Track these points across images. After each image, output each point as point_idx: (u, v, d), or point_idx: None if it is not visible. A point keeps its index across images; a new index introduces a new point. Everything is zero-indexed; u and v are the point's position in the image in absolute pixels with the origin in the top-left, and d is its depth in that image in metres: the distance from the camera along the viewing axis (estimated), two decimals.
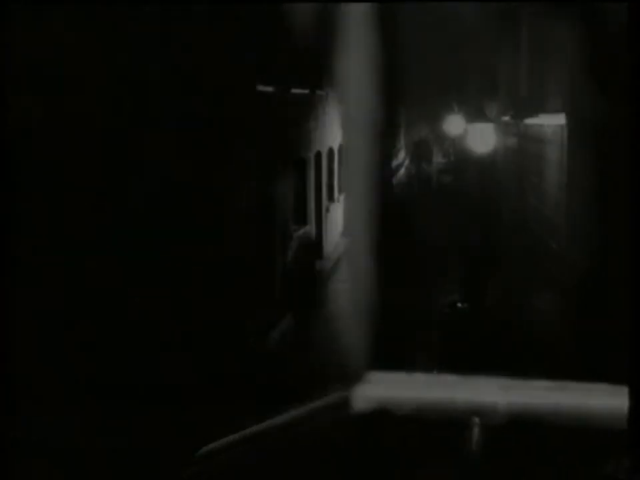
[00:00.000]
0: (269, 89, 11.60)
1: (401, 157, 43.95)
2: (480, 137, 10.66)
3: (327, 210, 17.33)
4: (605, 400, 4.08)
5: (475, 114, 11.62)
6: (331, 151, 18.09)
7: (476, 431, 8.59)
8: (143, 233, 9.14)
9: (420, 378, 4.62)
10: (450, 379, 4.57)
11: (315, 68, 15.71)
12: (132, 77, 8.63)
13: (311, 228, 15.37)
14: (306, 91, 14.72)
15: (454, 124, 20.57)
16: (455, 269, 13.19)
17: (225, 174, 9.84)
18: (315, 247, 15.91)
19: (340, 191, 19.73)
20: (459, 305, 10.10)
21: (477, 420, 8.76)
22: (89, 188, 8.35)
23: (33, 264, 7.27)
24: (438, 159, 43.19)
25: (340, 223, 19.69)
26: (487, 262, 12.17)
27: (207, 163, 9.65)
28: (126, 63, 8.68)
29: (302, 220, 14.83)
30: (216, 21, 9.63)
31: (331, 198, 18.16)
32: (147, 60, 8.90)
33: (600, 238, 8.36)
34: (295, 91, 13.61)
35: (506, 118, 13.23)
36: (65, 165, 7.77)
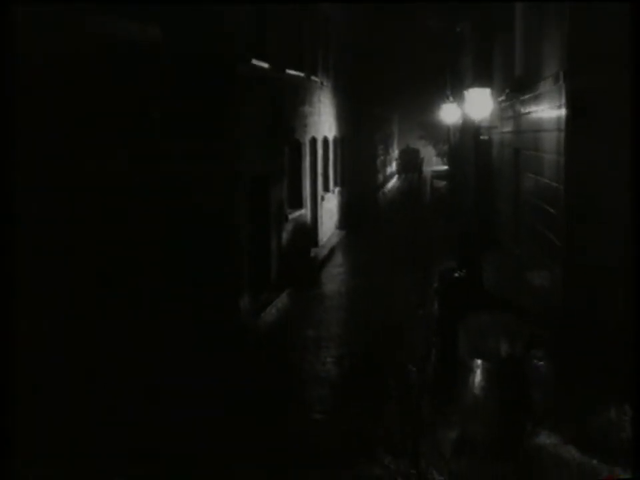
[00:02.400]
0: (265, 65, 11.51)
1: (394, 166, 44.12)
2: (476, 102, 10.57)
3: (322, 199, 17.22)
4: None
5: (471, 84, 11.56)
6: (325, 140, 18.02)
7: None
8: (143, 221, 9.06)
9: None
10: None
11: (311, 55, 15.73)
12: None
13: (306, 211, 15.24)
14: (301, 74, 14.64)
15: (448, 113, 20.45)
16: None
17: (217, 158, 9.74)
18: (310, 232, 15.78)
19: (335, 183, 19.65)
20: (457, 273, 10.70)
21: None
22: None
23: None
24: (431, 166, 43.10)
25: (335, 213, 19.59)
26: (481, 240, 12.37)
27: (200, 148, 9.57)
28: None
29: (297, 204, 14.71)
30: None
31: (326, 188, 18.06)
32: None
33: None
34: (290, 72, 13.51)
35: (502, 97, 13.19)
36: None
